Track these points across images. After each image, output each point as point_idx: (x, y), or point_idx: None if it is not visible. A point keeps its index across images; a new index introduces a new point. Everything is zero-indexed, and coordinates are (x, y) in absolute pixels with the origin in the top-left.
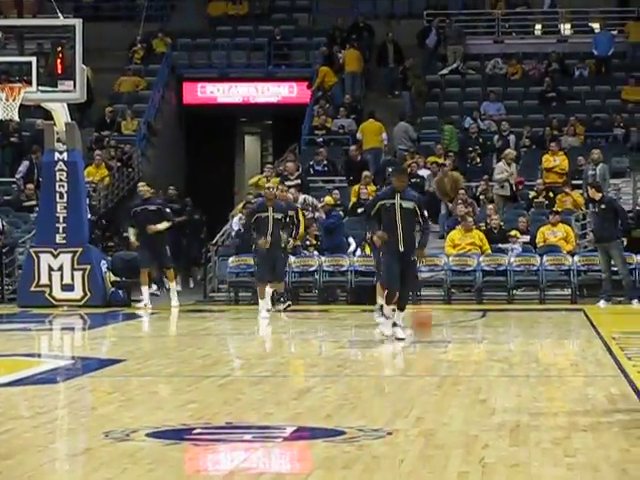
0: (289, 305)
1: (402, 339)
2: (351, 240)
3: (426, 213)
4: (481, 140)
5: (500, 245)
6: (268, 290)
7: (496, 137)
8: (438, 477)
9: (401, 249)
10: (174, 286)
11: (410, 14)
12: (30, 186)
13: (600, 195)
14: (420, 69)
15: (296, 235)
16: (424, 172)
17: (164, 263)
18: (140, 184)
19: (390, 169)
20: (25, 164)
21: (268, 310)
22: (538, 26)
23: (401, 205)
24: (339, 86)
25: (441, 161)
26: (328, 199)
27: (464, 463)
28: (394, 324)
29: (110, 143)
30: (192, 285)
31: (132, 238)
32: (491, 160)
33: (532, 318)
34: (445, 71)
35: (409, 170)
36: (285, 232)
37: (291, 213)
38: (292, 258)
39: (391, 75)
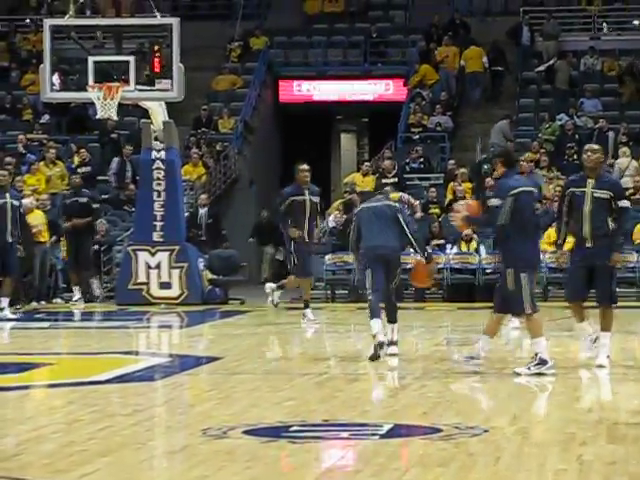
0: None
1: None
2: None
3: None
4: (577, 137)
5: None
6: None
7: (594, 134)
8: (535, 475)
9: None
10: None
11: (506, 11)
12: (132, 186)
13: None
14: (515, 66)
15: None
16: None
17: None
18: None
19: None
20: (116, 161)
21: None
22: (635, 22)
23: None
24: (438, 84)
25: (536, 157)
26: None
27: (561, 461)
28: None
29: (206, 141)
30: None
31: None
32: None
33: (630, 315)
34: (541, 68)
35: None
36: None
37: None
38: None
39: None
